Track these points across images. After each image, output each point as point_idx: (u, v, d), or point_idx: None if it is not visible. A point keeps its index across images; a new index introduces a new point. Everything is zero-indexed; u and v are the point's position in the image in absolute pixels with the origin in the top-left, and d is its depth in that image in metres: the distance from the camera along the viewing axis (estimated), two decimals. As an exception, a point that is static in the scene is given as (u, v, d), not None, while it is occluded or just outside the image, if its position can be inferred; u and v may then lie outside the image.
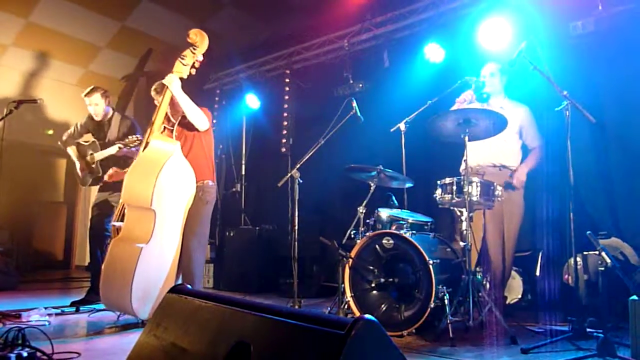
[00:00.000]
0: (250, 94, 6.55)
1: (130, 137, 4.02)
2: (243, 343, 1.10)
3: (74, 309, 4.06)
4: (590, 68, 4.23)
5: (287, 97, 6.41)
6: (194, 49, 3.45)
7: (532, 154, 3.90)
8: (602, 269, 2.56)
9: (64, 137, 4.56)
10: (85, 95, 4.34)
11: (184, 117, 3.48)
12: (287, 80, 6.39)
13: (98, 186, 4.48)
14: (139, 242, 3.17)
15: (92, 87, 4.40)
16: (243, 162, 6.90)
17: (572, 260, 3.16)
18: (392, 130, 4.07)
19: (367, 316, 0.94)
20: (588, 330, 2.94)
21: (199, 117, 3.44)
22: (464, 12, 4.91)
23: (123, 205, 3.42)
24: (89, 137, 4.51)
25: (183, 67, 3.42)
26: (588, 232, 2.62)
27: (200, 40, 3.47)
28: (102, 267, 3.31)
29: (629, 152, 4.16)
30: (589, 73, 4.21)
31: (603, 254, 2.53)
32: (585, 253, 3.74)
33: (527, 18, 4.30)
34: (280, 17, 6.26)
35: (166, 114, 3.57)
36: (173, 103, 3.49)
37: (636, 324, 2.48)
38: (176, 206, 3.31)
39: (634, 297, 2.49)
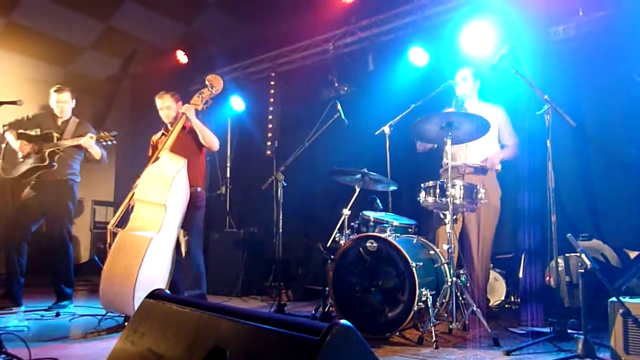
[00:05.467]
0: (235, 96, 6.51)
1: (106, 133, 4.21)
2: (219, 349, 1.09)
3: (54, 313, 4.00)
4: (570, 72, 4.29)
5: (272, 100, 6.38)
6: (211, 88, 3.96)
7: (508, 148, 3.99)
8: (582, 270, 2.59)
9: (11, 121, 4.36)
10: (55, 92, 4.36)
11: (183, 128, 3.85)
12: (272, 82, 6.37)
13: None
14: (150, 231, 3.37)
15: (63, 86, 4.43)
16: (228, 164, 6.86)
17: (553, 263, 3.20)
18: (376, 133, 4.08)
19: (343, 321, 0.93)
20: (569, 331, 2.98)
21: (213, 141, 3.94)
22: (448, 16, 4.95)
23: (124, 210, 3.62)
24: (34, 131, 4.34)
25: (200, 101, 3.91)
26: (568, 234, 2.65)
27: (217, 82, 4.00)
28: (106, 260, 3.37)
29: (609, 156, 4.22)
30: (569, 77, 4.27)
31: (583, 256, 2.56)
32: (566, 255, 3.79)
33: (509, 23, 4.34)
34: (266, 20, 6.25)
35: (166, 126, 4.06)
36: (175, 117, 3.97)
37: (615, 325, 2.52)
38: (176, 213, 3.56)
39: (613, 298, 2.53)
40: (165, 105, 4.00)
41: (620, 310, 2.45)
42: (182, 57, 6.89)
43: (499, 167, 3.96)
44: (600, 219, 4.22)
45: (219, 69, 6.63)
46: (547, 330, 3.18)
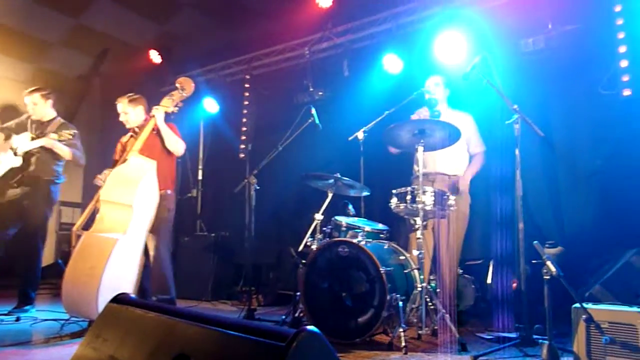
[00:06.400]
0: (209, 98, 6.45)
1: (64, 131, 4.14)
2: (183, 356, 1.06)
3: (14, 317, 3.86)
4: (540, 83, 4.40)
5: (246, 103, 6.35)
6: (182, 90, 3.94)
7: (476, 159, 4.05)
8: (548, 277, 2.64)
9: (9, 123, 4.38)
10: (26, 95, 4.31)
11: (153, 130, 3.79)
12: (247, 85, 6.34)
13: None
14: (116, 233, 3.30)
15: (35, 87, 4.36)
16: (200, 167, 6.78)
17: (520, 269, 3.26)
18: (349, 139, 4.09)
19: (309, 328, 0.92)
20: (534, 337, 3.04)
21: (177, 145, 3.89)
22: (422, 25, 5.03)
23: (90, 213, 3.58)
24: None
25: (170, 103, 3.87)
26: (535, 241, 2.70)
27: (187, 85, 3.97)
28: (69, 261, 3.29)
29: (575, 166, 4.35)
30: (538, 88, 4.38)
31: (548, 263, 2.61)
32: (533, 262, 3.87)
33: (481, 33, 4.44)
34: (242, 22, 6.21)
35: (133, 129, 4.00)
36: (144, 121, 3.93)
37: (578, 331, 2.58)
38: (144, 215, 3.49)
39: (577, 305, 2.59)
40: (122, 110, 3.96)
41: (583, 316, 2.51)
42: (155, 57, 6.79)
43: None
44: (565, 226, 4.33)
45: (193, 70, 6.57)
46: (514, 335, 3.24)
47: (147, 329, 1.25)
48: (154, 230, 3.65)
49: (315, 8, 5.32)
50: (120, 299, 1.46)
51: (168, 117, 3.96)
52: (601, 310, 2.57)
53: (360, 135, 4.05)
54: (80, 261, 3.23)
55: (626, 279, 3.41)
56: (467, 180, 3.95)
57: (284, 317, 3.82)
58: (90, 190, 4.75)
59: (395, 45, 5.06)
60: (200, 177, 6.76)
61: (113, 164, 3.97)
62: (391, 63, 5.02)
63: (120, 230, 3.31)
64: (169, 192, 3.86)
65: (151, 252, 3.66)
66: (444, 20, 4.75)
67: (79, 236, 3.39)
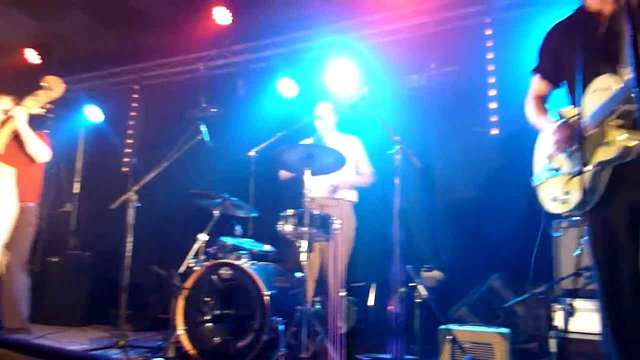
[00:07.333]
0: (92, 106, 5.99)
1: None
2: (16, 394, 0.94)
3: None
4: (422, 118, 4.73)
5: (133, 114, 6.03)
6: (49, 91, 3.53)
7: (363, 175, 4.18)
8: (419, 300, 2.80)
9: None
10: None
11: (16, 135, 3.51)
12: (136, 96, 6.04)
13: None
14: None
15: None
16: (77, 179, 6.25)
17: (398, 292, 3.41)
18: (241, 158, 4.05)
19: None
20: (407, 357, 3.18)
21: (40, 151, 3.63)
22: (316, 52, 5.17)
23: None
24: None
25: (34, 104, 3.52)
26: (408, 266, 2.86)
27: (55, 85, 3.55)
28: None
29: (451, 196, 4.70)
30: (420, 122, 4.70)
31: (419, 287, 2.77)
32: (410, 284, 4.07)
33: (370, 66, 4.68)
34: (134, 30, 5.92)
35: None
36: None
37: (444, 351, 2.75)
38: None
39: (443, 326, 2.76)
40: (3, 108, 3.55)
41: (448, 337, 2.68)
42: (32, 56, 6.19)
43: (354, 197, 4.13)
44: (440, 252, 4.64)
45: (77, 75, 6.11)
46: (388, 356, 3.36)
47: (-23, 365, 1.09)
48: (9, 246, 3.32)
49: (213, 24, 5.24)
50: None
51: (43, 122, 3.62)
52: (464, 331, 2.77)
53: (251, 155, 4.03)
54: None
55: (488, 301, 3.73)
56: (347, 181, 4.03)
57: (160, 342, 3.61)
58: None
59: (290, 69, 5.14)
60: (76, 190, 6.22)
61: None
62: (285, 86, 5.09)
63: None
64: (31, 205, 3.56)
65: (2, 271, 3.27)
66: (336, 48, 4.94)
67: None
